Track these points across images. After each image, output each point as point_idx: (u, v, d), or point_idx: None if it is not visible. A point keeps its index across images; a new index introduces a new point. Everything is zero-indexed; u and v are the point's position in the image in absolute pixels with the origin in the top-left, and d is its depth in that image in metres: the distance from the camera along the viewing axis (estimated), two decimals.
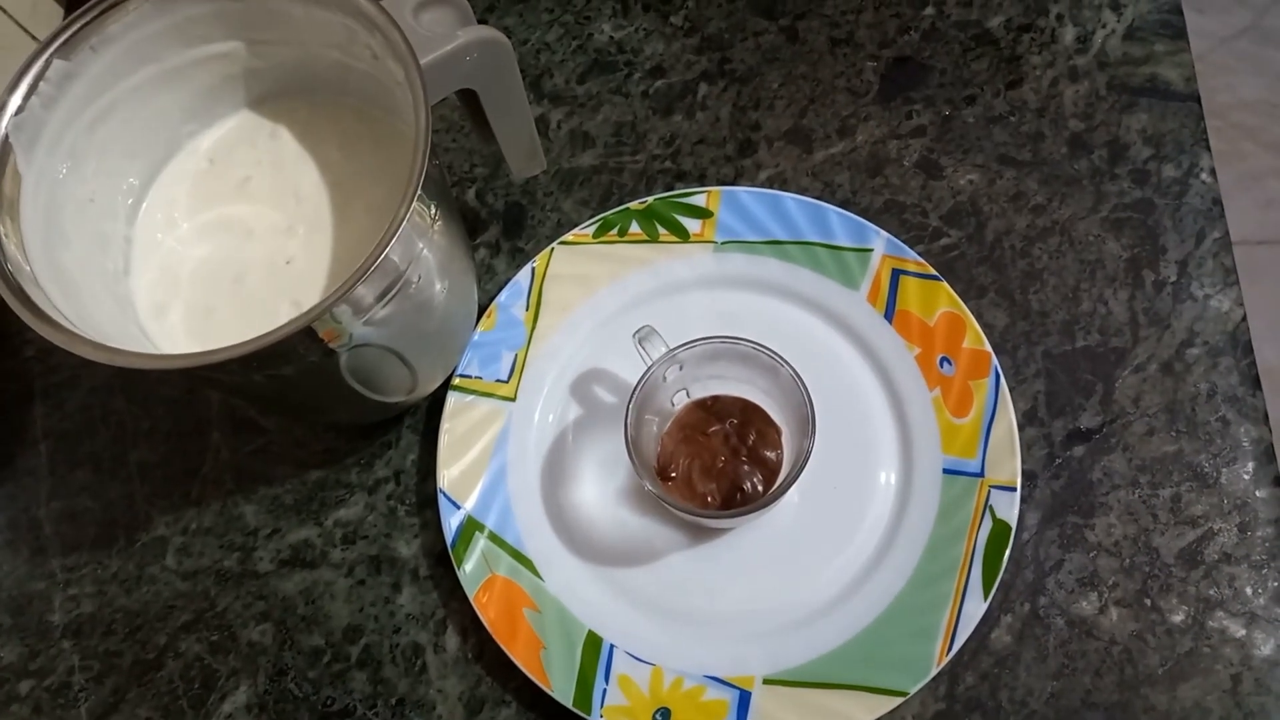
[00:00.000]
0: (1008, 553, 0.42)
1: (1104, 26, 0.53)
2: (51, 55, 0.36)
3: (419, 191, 0.33)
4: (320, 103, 0.42)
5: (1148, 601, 0.43)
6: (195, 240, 0.41)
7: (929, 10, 0.54)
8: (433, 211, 0.36)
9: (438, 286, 0.40)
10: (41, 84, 0.35)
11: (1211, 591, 0.43)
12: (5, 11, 0.53)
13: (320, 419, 0.49)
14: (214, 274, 0.40)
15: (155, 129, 0.41)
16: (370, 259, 0.33)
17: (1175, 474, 0.45)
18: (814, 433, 0.40)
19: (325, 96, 0.41)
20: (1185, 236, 0.48)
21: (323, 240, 0.40)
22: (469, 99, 0.41)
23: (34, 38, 0.56)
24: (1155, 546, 0.44)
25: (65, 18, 0.59)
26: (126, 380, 0.52)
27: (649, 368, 0.42)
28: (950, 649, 0.41)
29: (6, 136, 0.35)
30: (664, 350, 0.43)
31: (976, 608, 0.42)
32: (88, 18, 0.36)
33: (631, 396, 0.42)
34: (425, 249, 0.37)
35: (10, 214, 0.34)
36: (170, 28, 0.38)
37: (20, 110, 0.35)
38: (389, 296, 0.36)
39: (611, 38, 0.56)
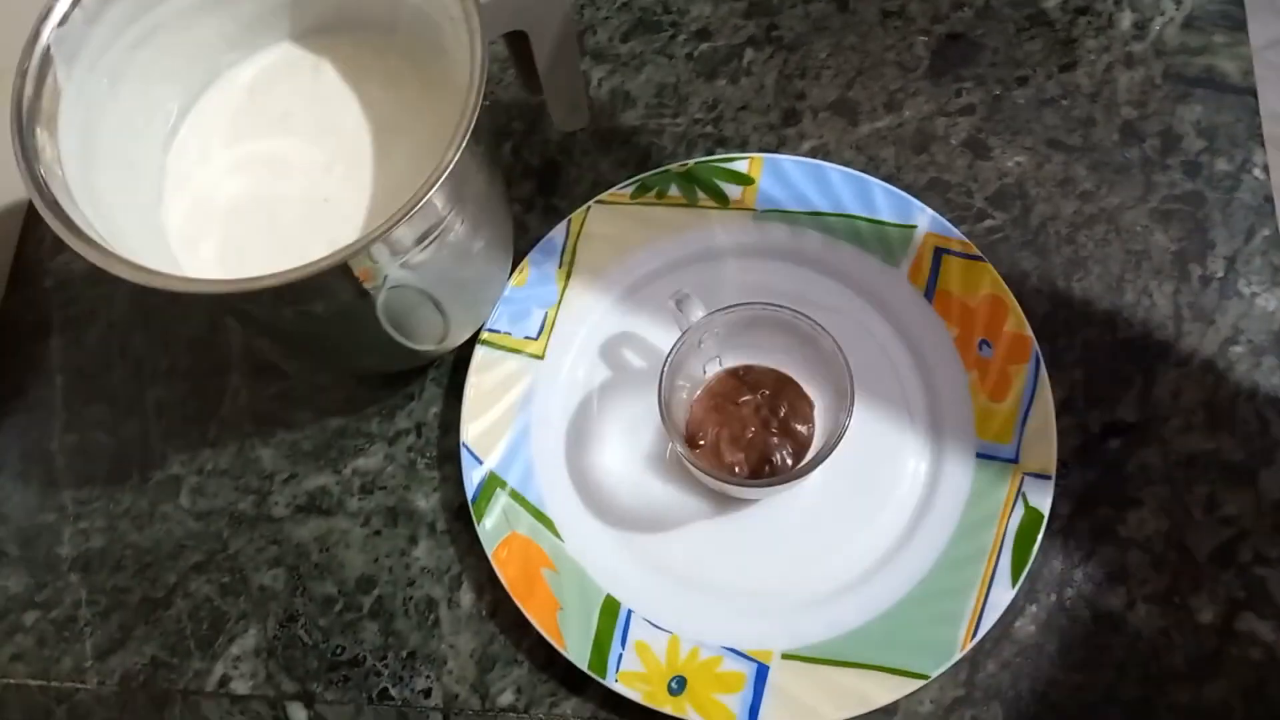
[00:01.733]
0: (1039, 542, 0.42)
1: (1163, 14, 0.52)
2: None
3: (469, 133, 0.32)
4: (366, 39, 0.41)
5: (1176, 599, 0.42)
6: (231, 173, 0.40)
7: None
8: (479, 154, 0.35)
9: (477, 234, 0.39)
10: None
11: (1241, 593, 0.42)
12: None
13: (346, 365, 0.48)
14: (249, 209, 0.39)
15: (196, 55, 0.40)
16: (415, 198, 0.32)
17: (1211, 472, 0.44)
18: (852, 406, 0.39)
19: (372, 33, 0.40)
20: (1235, 232, 0.47)
21: (362, 179, 0.39)
22: (517, 43, 0.40)
23: None
24: (1187, 544, 0.43)
25: None
26: (147, 316, 0.51)
27: (685, 331, 0.42)
28: (975, 635, 0.41)
29: (49, 48, 0.34)
30: (701, 314, 0.42)
31: (1004, 595, 0.41)
32: None
33: (667, 359, 0.41)
34: (469, 194, 0.36)
35: (49, 128, 0.33)
36: None
37: (63, 21, 0.34)
38: (429, 240, 0.35)
39: None
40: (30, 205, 0.53)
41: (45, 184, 0.32)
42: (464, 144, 0.32)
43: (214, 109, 0.41)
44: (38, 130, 0.33)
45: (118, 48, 0.37)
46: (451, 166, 0.32)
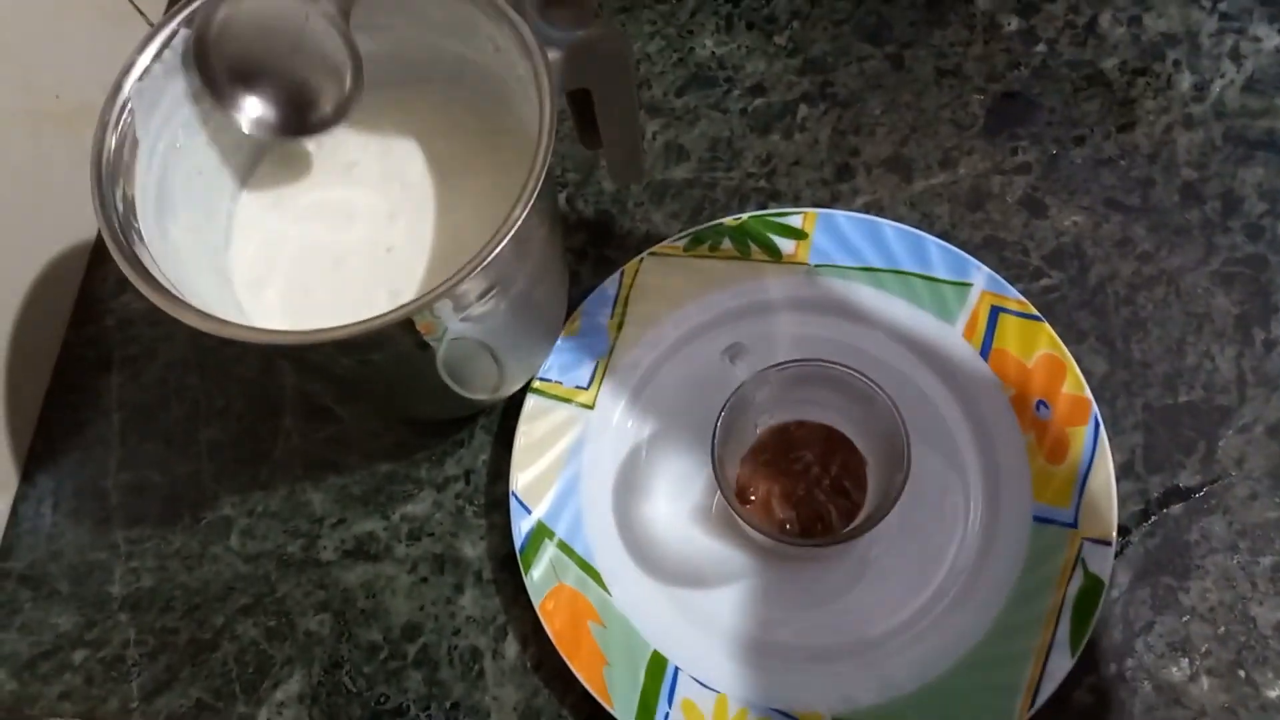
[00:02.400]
0: (1098, 610, 0.41)
1: (1222, 76, 0.51)
2: (179, 24, 0.36)
3: (538, 189, 0.32)
4: (432, 92, 0.41)
5: (1241, 673, 0.41)
6: (297, 220, 0.41)
7: (1040, 47, 0.53)
8: (543, 211, 0.36)
9: (536, 287, 0.39)
10: (167, 51, 0.35)
11: None
12: None
13: (399, 411, 0.48)
14: (313, 255, 0.40)
15: None
16: (482, 255, 0.32)
17: (1277, 542, 0.43)
18: (909, 467, 0.39)
19: (438, 87, 0.41)
20: None
21: (424, 230, 0.40)
22: (579, 100, 0.40)
23: (140, 10, 0.57)
24: (1253, 616, 0.42)
25: None
26: (203, 357, 0.52)
27: (739, 386, 0.41)
28: (1033, 705, 0.39)
29: (129, 100, 0.34)
30: (754, 369, 0.42)
31: (1063, 665, 0.40)
32: None
33: (720, 414, 0.41)
34: (531, 249, 0.36)
35: (126, 177, 0.34)
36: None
37: (145, 74, 0.35)
38: (489, 295, 0.35)
39: (713, 53, 0.56)
40: (95, 244, 0.55)
41: (122, 234, 0.33)
42: (531, 202, 0.32)
43: (282, 158, 0.42)
44: (117, 181, 0.34)
45: (193, 99, 0.38)
46: (518, 224, 0.32)
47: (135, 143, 0.35)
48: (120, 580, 0.48)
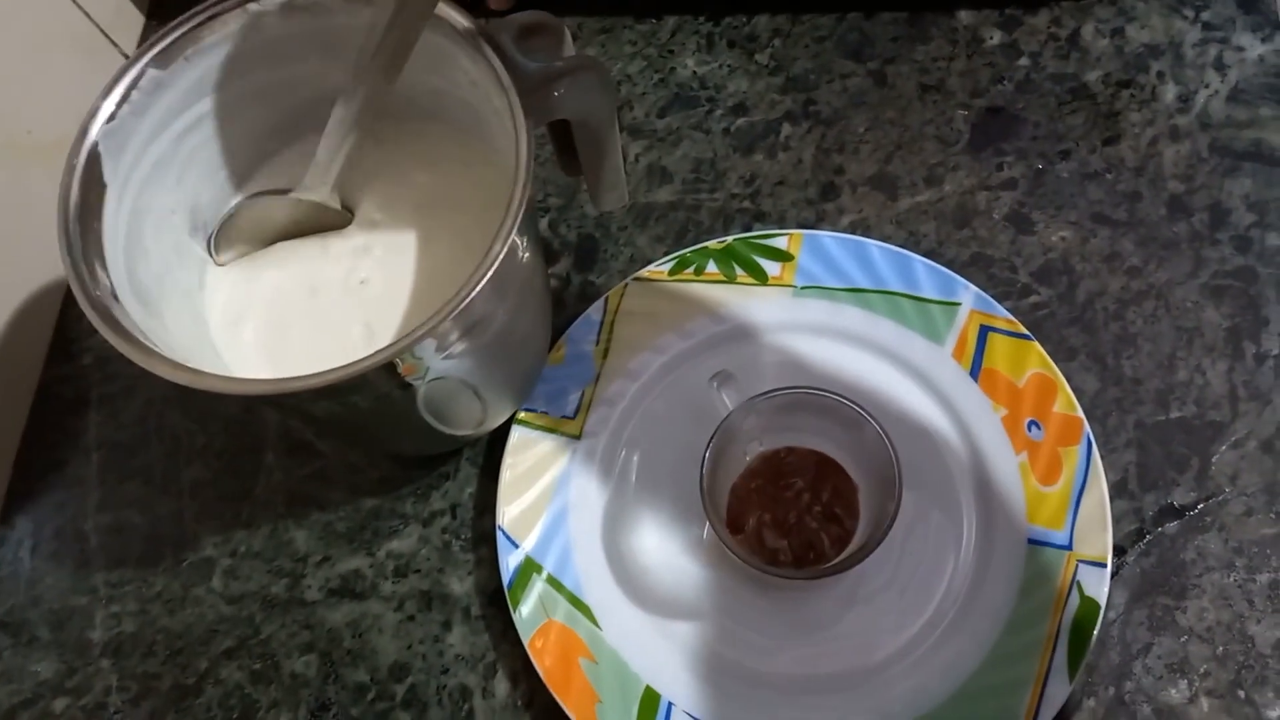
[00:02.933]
0: (1095, 633, 0.40)
1: (1207, 87, 0.51)
2: (148, 64, 0.35)
3: (516, 225, 0.32)
4: (409, 125, 0.41)
5: (1241, 693, 0.41)
6: (271, 256, 0.40)
7: (1023, 61, 0.53)
8: (524, 243, 0.35)
9: (519, 320, 0.38)
10: (134, 92, 0.35)
11: None
12: (90, 18, 0.52)
13: (382, 448, 0.47)
14: (289, 292, 0.39)
15: (241, 144, 0.40)
16: (461, 295, 0.31)
17: (1274, 559, 0.42)
18: (900, 495, 0.38)
19: (415, 121, 0.40)
20: None
21: (399, 262, 0.39)
22: (558, 128, 0.40)
23: (114, 43, 0.56)
24: (1251, 635, 0.41)
25: (146, 25, 0.59)
26: (184, 394, 0.50)
27: (727, 414, 0.41)
28: None
29: (96, 144, 0.34)
30: (742, 396, 0.41)
31: (1061, 691, 0.39)
32: (184, 28, 0.35)
33: (709, 444, 0.40)
34: (512, 284, 0.35)
35: (94, 222, 0.33)
36: (266, 45, 0.37)
37: (112, 117, 0.34)
38: (472, 332, 0.35)
39: (694, 73, 0.55)
40: None
41: (89, 283, 0.32)
42: (510, 238, 0.32)
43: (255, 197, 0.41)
44: (84, 225, 0.33)
45: (164, 139, 0.37)
46: (499, 261, 0.32)
47: (103, 187, 0.34)
48: (101, 625, 0.47)
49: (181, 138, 0.37)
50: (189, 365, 0.31)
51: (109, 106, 0.34)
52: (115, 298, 0.33)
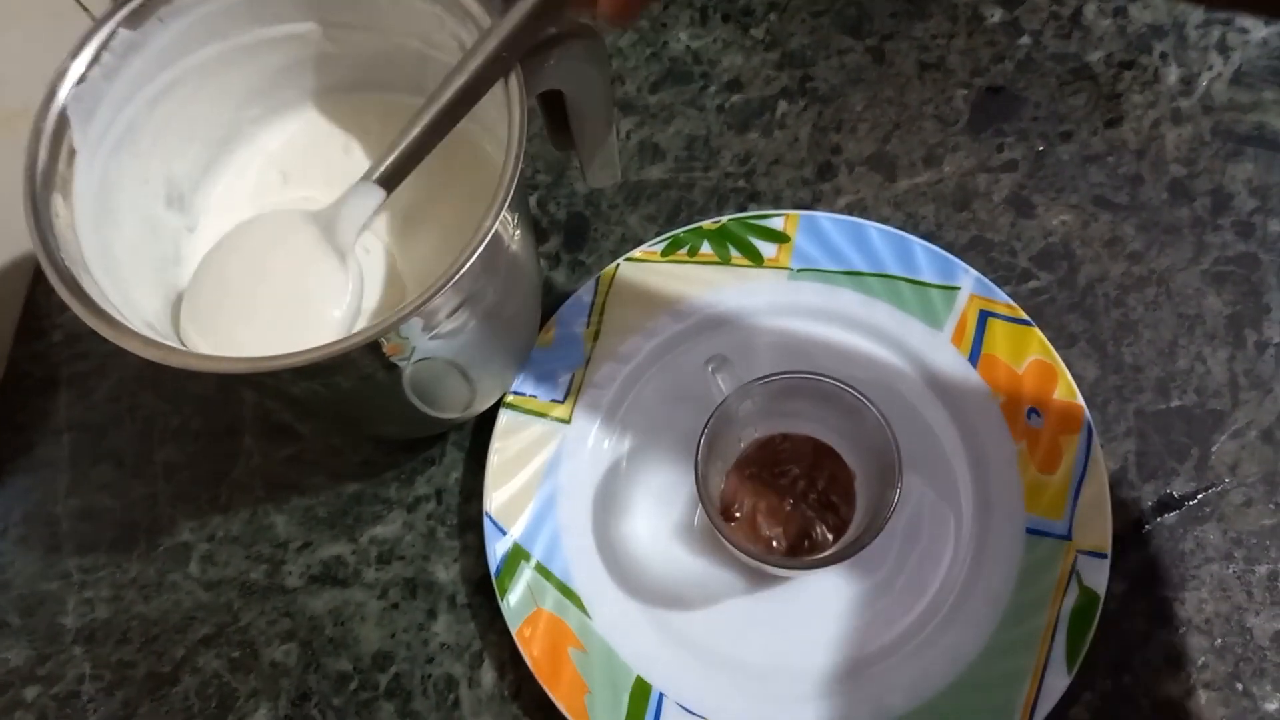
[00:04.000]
0: (1094, 625, 0.39)
1: (1210, 69, 0.50)
2: (118, 24, 0.33)
3: (508, 200, 0.30)
4: (394, 103, 0.39)
5: (1239, 686, 0.40)
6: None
7: (1025, 39, 0.52)
8: (514, 221, 0.34)
9: (508, 300, 0.37)
10: (105, 54, 0.33)
11: None
12: None
13: (365, 431, 0.46)
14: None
15: (217, 110, 0.38)
16: (453, 268, 0.30)
17: (1273, 550, 0.42)
18: (900, 483, 0.37)
19: (400, 94, 0.39)
20: None
21: (382, 249, 0.38)
22: (549, 100, 0.38)
23: (84, 6, 0.54)
24: (1249, 627, 0.41)
25: None
26: (157, 373, 0.49)
27: (723, 399, 0.40)
28: None
29: (64, 108, 0.32)
30: (737, 381, 0.40)
31: (1059, 683, 0.39)
32: None
33: (704, 429, 0.39)
34: (502, 262, 0.34)
35: (63, 191, 0.32)
36: (244, 3, 0.35)
37: (81, 80, 0.32)
38: (460, 310, 0.33)
39: (688, 47, 0.54)
40: None
41: (58, 253, 0.30)
42: (501, 213, 0.30)
43: (239, 176, 0.39)
44: (52, 195, 0.31)
45: (136, 103, 0.35)
46: (488, 238, 0.30)
47: (72, 153, 0.32)
48: (74, 611, 0.45)
49: (156, 102, 0.36)
50: (162, 341, 0.29)
51: (78, 68, 0.32)
52: (85, 270, 0.31)
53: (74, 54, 0.32)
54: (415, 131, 0.33)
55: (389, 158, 0.33)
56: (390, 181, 0.34)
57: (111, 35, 0.33)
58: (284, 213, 0.36)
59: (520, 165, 0.31)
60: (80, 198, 0.32)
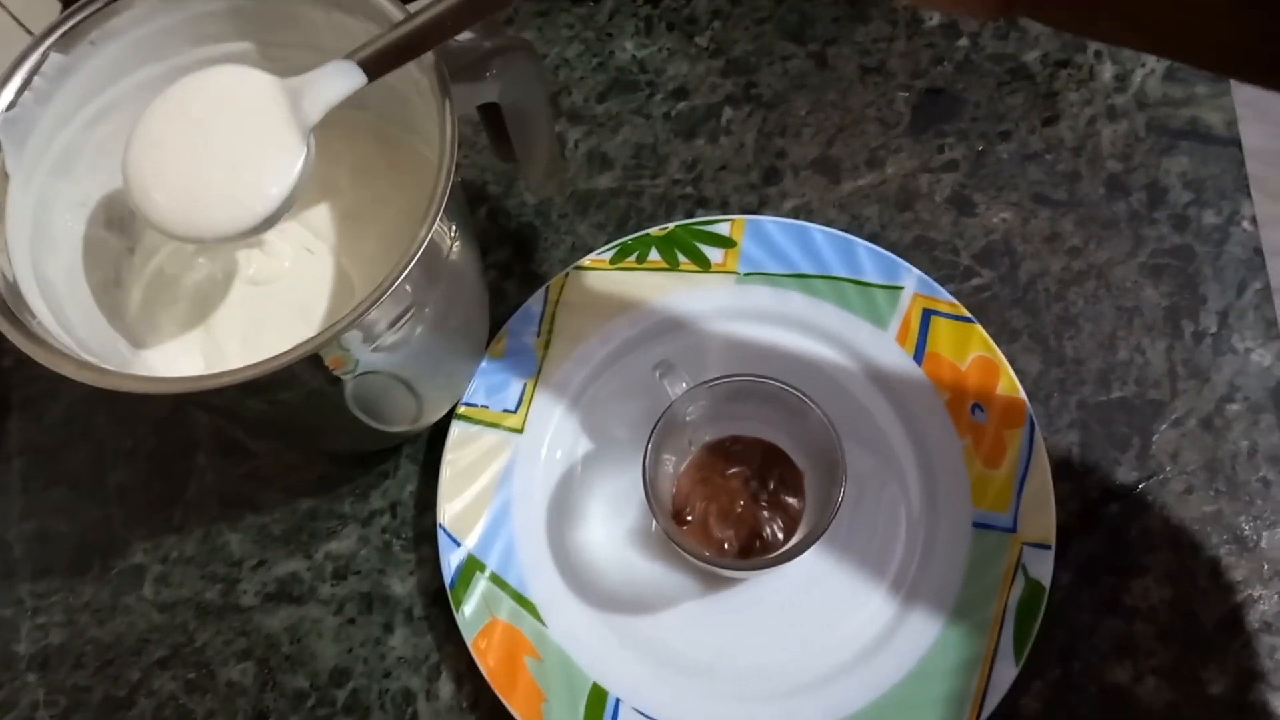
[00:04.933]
0: (1040, 615, 0.40)
1: (1143, 65, 0.51)
2: (48, 49, 0.33)
3: (441, 211, 0.31)
4: (335, 118, 0.39)
5: (1186, 671, 0.41)
6: (193, 258, 0.39)
7: (963, 41, 0.53)
8: (452, 231, 0.34)
9: (450, 312, 0.37)
10: (36, 79, 0.33)
11: (1251, 663, 0.41)
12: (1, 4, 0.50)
13: (316, 446, 0.46)
14: (212, 291, 0.38)
15: None
16: (387, 282, 0.30)
17: (1215, 537, 0.43)
18: (845, 482, 0.38)
19: (341, 110, 0.39)
20: (1226, 286, 0.46)
21: (329, 264, 0.38)
22: (490, 113, 0.39)
23: (28, 30, 0.53)
24: (1194, 612, 0.42)
25: (64, 10, 0.56)
26: (109, 396, 0.49)
27: (669, 404, 0.40)
28: (980, 715, 0.39)
29: None
30: (685, 386, 0.40)
31: (1008, 673, 0.39)
32: (89, 10, 0.34)
33: (651, 434, 0.39)
34: (441, 273, 0.34)
35: None
36: (179, 24, 0.35)
37: (11, 106, 0.32)
38: (401, 322, 0.33)
39: (634, 56, 0.54)
40: None
41: None
42: (434, 224, 0.31)
43: None
44: None
45: (72, 126, 0.35)
46: (421, 250, 0.30)
47: (5, 178, 0.32)
48: (27, 638, 0.45)
49: (93, 124, 0.36)
50: (96, 364, 0.29)
51: (8, 94, 0.32)
52: (19, 293, 0.31)
53: (4, 79, 0.32)
54: (408, 28, 0.31)
55: (376, 44, 0.32)
56: (371, 68, 0.32)
57: (43, 59, 0.33)
58: (251, 70, 0.33)
59: (452, 178, 0.31)
60: (14, 222, 0.32)
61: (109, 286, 0.38)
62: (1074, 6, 0.27)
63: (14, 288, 0.31)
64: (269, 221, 0.32)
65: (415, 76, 0.34)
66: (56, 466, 0.48)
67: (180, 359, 0.38)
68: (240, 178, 0.32)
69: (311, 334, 0.30)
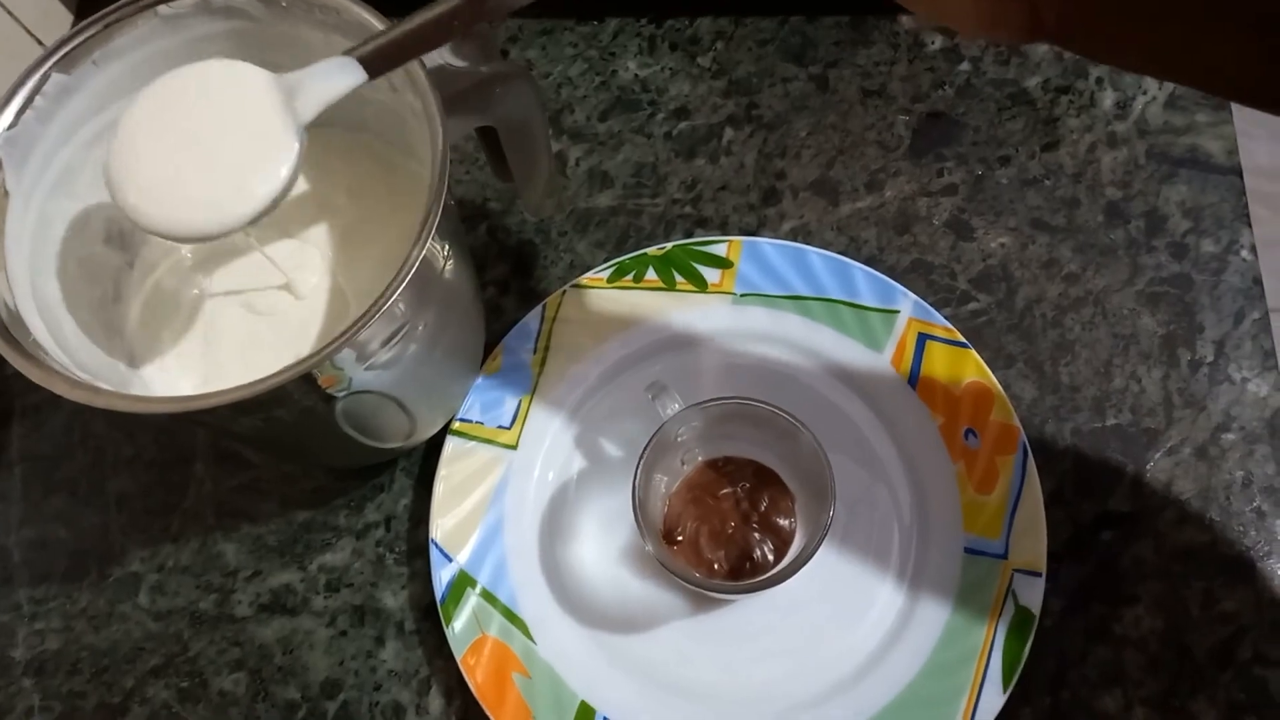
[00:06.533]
0: (1029, 643, 0.40)
1: (1144, 93, 0.51)
2: (50, 68, 0.34)
3: (433, 232, 0.31)
4: (334, 139, 0.40)
5: (1175, 702, 0.41)
6: (192, 273, 0.39)
7: (964, 66, 0.53)
8: (445, 251, 0.34)
9: (443, 332, 0.37)
10: (38, 98, 0.33)
11: (1242, 695, 0.41)
12: (11, 15, 0.51)
13: (310, 461, 0.46)
14: (211, 310, 0.38)
15: None
16: (379, 303, 0.31)
17: (1208, 566, 0.43)
18: (834, 505, 0.38)
19: (339, 131, 0.39)
20: (1223, 316, 0.46)
21: (327, 283, 0.38)
22: (488, 135, 0.39)
23: (40, 43, 0.54)
24: (1185, 643, 0.41)
25: (75, 24, 0.57)
26: None
27: (661, 425, 0.40)
28: None
29: None
30: (677, 407, 0.41)
31: (995, 700, 0.39)
32: (93, 30, 0.34)
33: (642, 455, 0.39)
34: (434, 294, 0.35)
35: None
36: (180, 45, 0.36)
37: (13, 125, 0.33)
38: (394, 341, 0.34)
39: (636, 75, 0.54)
40: None
41: None
42: (427, 244, 0.31)
43: None
44: None
45: (72, 145, 0.36)
46: (414, 268, 0.31)
47: (6, 196, 0.33)
48: (24, 643, 0.45)
49: (92, 143, 0.36)
50: (90, 383, 0.30)
51: (9, 115, 0.33)
52: (16, 311, 0.32)
53: (6, 99, 0.33)
54: (409, 26, 0.30)
55: (376, 40, 0.31)
56: (372, 65, 0.31)
57: (45, 79, 0.34)
58: (242, 64, 0.32)
59: (446, 199, 0.32)
60: (13, 239, 0.33)
61: (108, 302, 0.38)
62: (1103, 39, 0.27)
63: (11, 305, 0.31)
64: (255, 220, 0.31)
65: (410, 101, 0.34)
66: (56, 474, 0.49)
67: (178, 375, 0.38)
68: (226, 175, 0.31)
69: (309, 352, 0.31)
